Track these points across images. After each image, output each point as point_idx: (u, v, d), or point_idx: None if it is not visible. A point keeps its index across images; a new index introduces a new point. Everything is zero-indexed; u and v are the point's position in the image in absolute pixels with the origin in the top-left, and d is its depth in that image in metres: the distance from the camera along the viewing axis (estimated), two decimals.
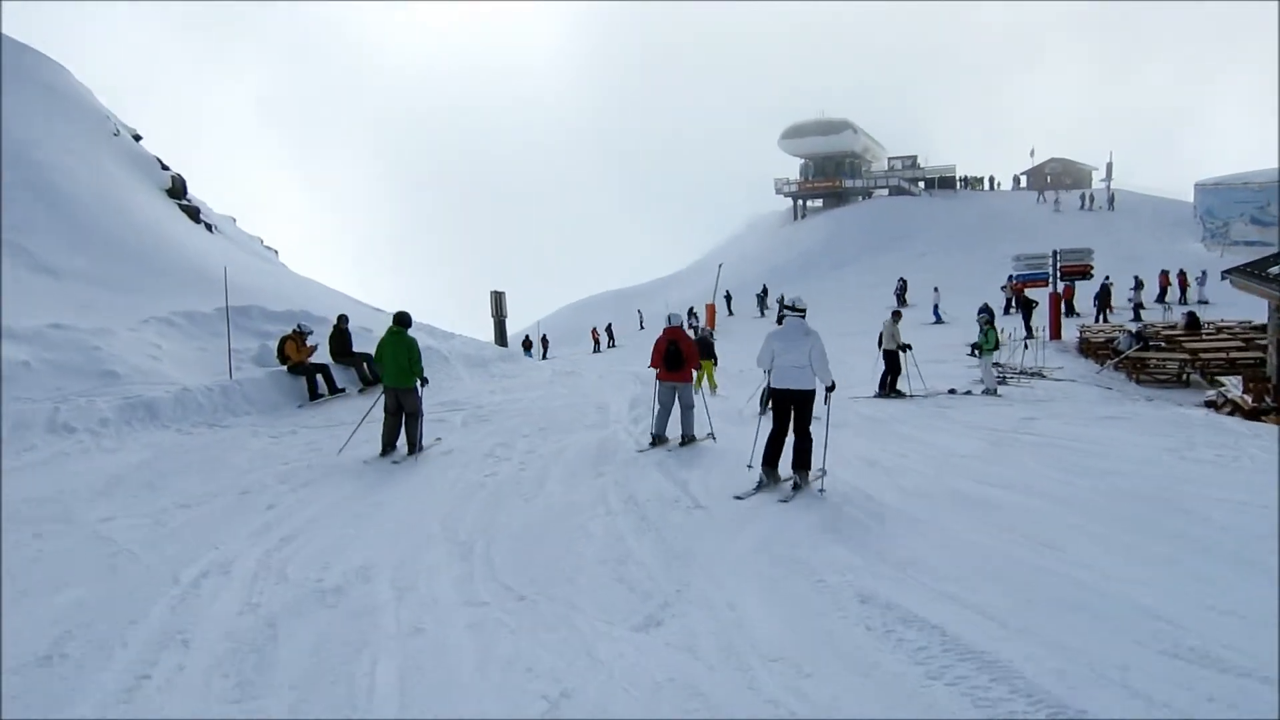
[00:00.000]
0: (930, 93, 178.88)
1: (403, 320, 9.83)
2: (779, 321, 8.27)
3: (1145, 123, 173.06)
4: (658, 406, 9.60)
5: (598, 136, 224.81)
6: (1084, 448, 9.22)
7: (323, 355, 14.21)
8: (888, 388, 15.24)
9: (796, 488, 7.25)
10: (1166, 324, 24.22)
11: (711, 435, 9.95)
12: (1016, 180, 71.96)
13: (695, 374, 10.36)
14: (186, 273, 18.07)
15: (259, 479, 8.48)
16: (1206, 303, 32.33)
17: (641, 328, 48.13)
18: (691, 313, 41.16)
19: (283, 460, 9.36)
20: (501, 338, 31.11)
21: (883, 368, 15.48)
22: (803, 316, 7.55)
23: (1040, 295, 27.53)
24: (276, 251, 30.78)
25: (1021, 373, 18.67)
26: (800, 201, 70.18)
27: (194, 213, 24.01)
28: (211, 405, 11.59)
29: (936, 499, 7.12)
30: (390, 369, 9.54)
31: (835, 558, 5.69)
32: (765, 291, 45.68)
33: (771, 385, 7.55)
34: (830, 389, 7.50)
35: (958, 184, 67.97)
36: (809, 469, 7.38)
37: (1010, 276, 36.61)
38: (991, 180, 69.57)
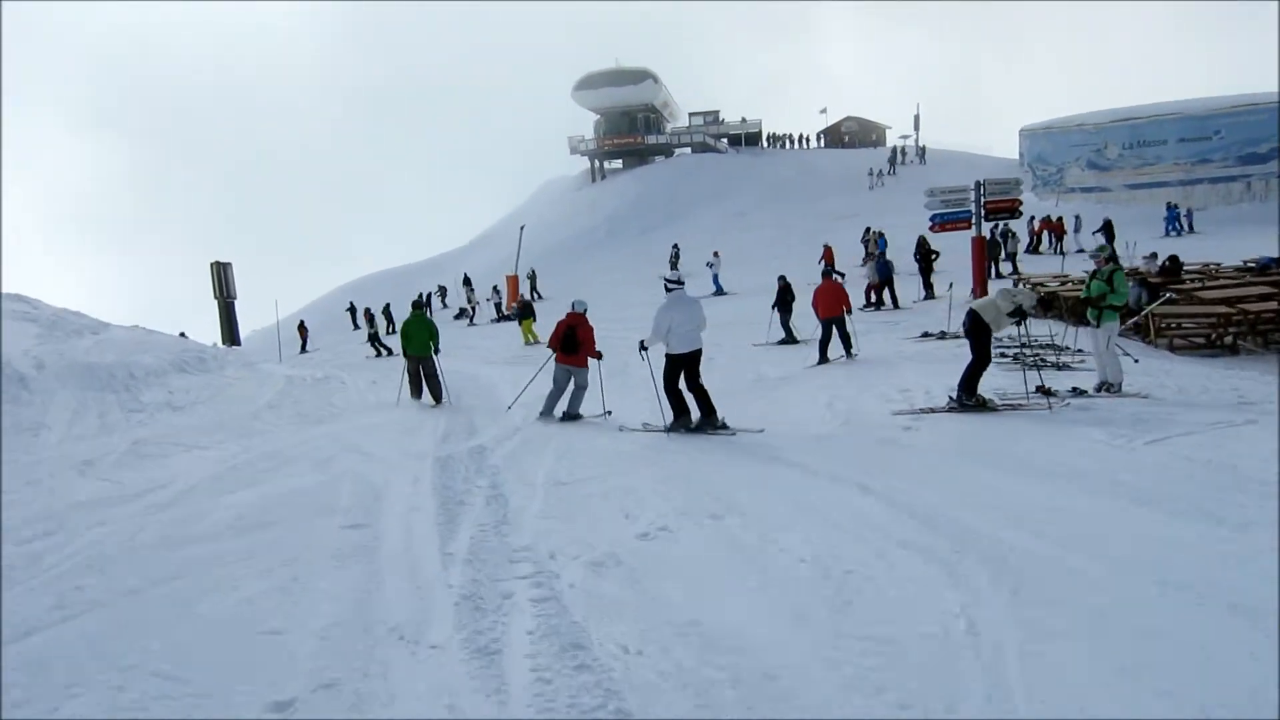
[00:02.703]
0: (710, 48, 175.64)
1: (419, 305, 13.06)
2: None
3: (915, 82, 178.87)
4: (552, 386, 10.15)
5: (358, 94, 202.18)
6: None
7: None
8: (970, 392, 7.99)
9: (719, 428, 8.32)
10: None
11: (607, 412, 10.11)
12: (819, 138, 68.76)
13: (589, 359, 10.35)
14: None
15: None
16: (1084, 251, 28.08)
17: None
18: (494, 288, 32.63)
19: None
20: (229, 327, 21.53)
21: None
22: (683, 287, 8.75)
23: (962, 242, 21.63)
24: None
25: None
26: (598, 162, 62.77)
27: None
28: None
29: None
30: (416, 342, 11.98)
31: None
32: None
33: (673, 350, 8.38)
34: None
35: (764, 141, 63.23)
36: (716, 412, 8.39)
37: (870, 230, 31.42)
38: (804, 138, 65.64)
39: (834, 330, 13.13)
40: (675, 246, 37.52)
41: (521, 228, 36.01)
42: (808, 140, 66.41)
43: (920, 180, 49.32)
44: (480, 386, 13.92)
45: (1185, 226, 31.07)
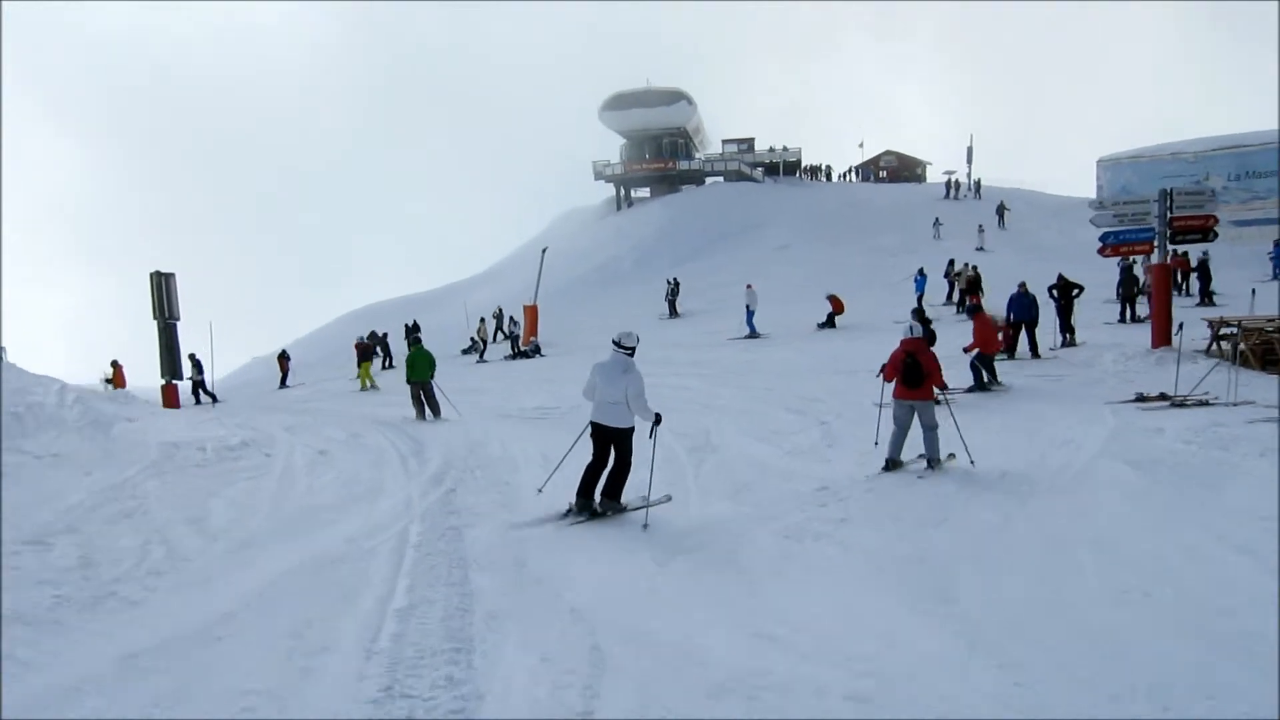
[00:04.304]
0: (736, 75, 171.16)
1: (419, 339, 15.30)
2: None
3: (950, 117, 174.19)
4: (894, 427, 8.55)
5: (369, 112, 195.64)
6: None
7: None
8: None
9: (594, 515, 7.14)
10: None
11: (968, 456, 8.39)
12: (858, 172, 64.60)
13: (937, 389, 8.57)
14: None
15: None
16: (1215, 293, 23.43)
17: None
18: (511, 320, 27.73)
19: None
20: (170, 356, 16.88)
21: None
22: (630, 354, 7.31)
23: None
24: None
25: None
26: (624, 189, 58.30)
27: None
28: None
29: None
30: (419, 370, 14.02)
31: None
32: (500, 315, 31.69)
33: (590, 418, 7.43)
34: (656, 422, 7.20)
35: (801, 172, 58.85)
36: (617, 499, 7.25)
37: (953, 263, 26.74)
38: (844, 172, 61.64)
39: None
40: (672, 280, 32.62)
41: (544, 250, 31.49)
42: (846, 174, 62.41)
43: (988, 216, 44.62)
44: (486, 465, 9.07)
45: None
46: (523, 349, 25.94)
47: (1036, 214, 46.56)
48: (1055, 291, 17.13)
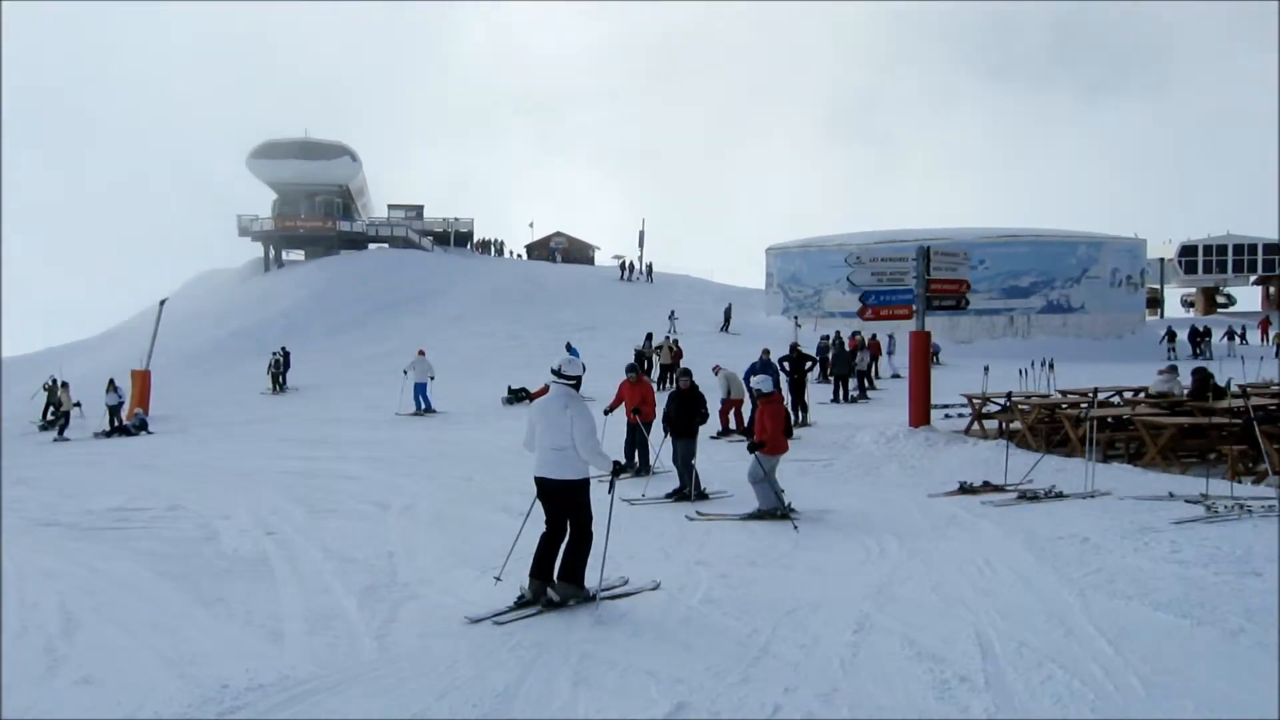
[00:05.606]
0: (394, 142, 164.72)
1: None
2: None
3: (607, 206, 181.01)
4: (764, 485, 8.12)
5: None
6: None
7: None
8: None
9: (549, 604, 5.42)
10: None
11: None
12: (529, 251, 63.70)
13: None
14: None
15: None
16: (899, 376, 23.89)
17: None
18: (110, 384, 20.55)
19: None
20: None
21: None
22: (575, 385, 5.71)
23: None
24: None
25: None
26: (274, 249, 51.28)
27: None
28: None
29: None
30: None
31: None
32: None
33: (533, 472, 5.76)
34: (615, 473, 5.56)
35: (473, 245, 56.40)
36: (576, 581, 5.54)
37: (651, 337, 24.95)
38: (515, 252, 60.32)
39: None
40: (280, 351, 27.71)
41: (162, 302, 25.00)
42: (516, 253, 61.28)
43: (668, 297, 44.67)
44: None
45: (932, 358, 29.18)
46: (123, 423, 19.53)
47: (703, 298, 47.74)
48: (788, 364, 15.43)
